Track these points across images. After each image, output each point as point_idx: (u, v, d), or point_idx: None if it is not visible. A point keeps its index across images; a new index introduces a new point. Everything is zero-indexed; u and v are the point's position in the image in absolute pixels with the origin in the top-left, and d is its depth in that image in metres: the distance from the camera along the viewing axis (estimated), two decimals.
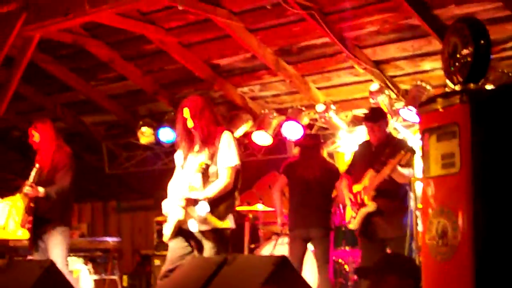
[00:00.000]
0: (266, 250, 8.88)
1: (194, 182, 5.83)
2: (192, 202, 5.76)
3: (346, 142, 10.19)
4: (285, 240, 8.64)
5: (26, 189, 7.04)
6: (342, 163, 10.21)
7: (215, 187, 5.82)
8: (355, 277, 8.38)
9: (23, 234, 8.37)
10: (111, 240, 8.94)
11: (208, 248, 5.83)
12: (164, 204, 6.03)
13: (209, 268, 5.12)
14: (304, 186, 7.88)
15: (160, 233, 10.06)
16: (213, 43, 9.54)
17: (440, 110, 4.77)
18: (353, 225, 7.01)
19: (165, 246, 9.72)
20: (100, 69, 10.67)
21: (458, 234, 4.50)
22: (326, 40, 8.82)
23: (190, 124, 5.95)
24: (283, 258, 4.74)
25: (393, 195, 6.81)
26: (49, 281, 5.48)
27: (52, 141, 7.38)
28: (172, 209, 5.92)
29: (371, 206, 6.81)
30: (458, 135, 4.57)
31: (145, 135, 11.10)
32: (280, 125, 9.85)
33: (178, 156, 6.14)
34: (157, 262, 10.09)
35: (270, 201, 9.12)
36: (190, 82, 10.49)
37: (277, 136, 10.11)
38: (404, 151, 6.61)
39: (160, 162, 11.91)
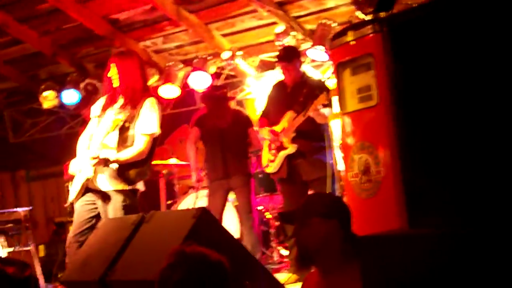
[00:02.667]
0: (184, 205, 8.67)
1: (108, 141, 5.55)
2: (102, 162, 5.48)
3: (255, 88, 10.03)
4: (202, 193, 8.44)
5: None
6: (253, 110, 10.08)
7: (128, 153, 5.57)
8: (277, 223, 8.27)
9: None
10: (21, 210, 8.56)
11: (115, 209, 5.56)
12: (72, 162, 5.73)
13: (126, 228, 4.92)
14: (218, 135, 7.69)
15: None
16: None
17: (352, 42, 4.62)
18: (272, 168, 6.82)
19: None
20: None
21: (381, 169, 4.38)
22: None
23: (115, 81, 5.66)
24: (203, 210, 4.56)
25: (313, 136, 6.65)
26: None
27: None
28: (80, 168, 5.63)
29: (291, 148, 6.64)
30: (373, 66, 4.43)
31: (48, 99, 10.67)
32: (186, 77, 9.59)
33: (96, 107, 5.85)
34: None
35: (183, 155, 8.91)
36: (89, 40, 10.08)
37: (184, 88, 9.85)
38: (326, 90, 6.45)
39: (66, 126, 11.52)
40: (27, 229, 8.38)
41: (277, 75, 9.58)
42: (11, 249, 8.41)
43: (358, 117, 4.63)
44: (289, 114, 6.66)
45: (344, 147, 4.72)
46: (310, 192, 6.72)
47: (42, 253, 10.01)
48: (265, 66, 9.80)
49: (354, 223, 3.69)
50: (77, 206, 5.72)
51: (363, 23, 4.52)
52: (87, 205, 5.67)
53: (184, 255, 3.03)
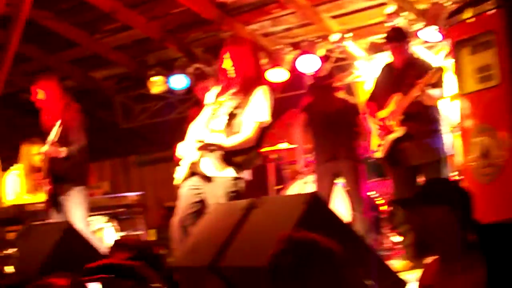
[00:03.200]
0: (291, 191, 8.54)
1: (216, 126, 5.48)
2: (207, 146, 5.40)
3: (365, 71, 9.80)
4: (310, 178, 8.29)
5: (47, 148, 6.68)
6: (362, 92, 9.84)
7: (235, 139, 5.46)
8: (389, 208, 8.04)
9: (33, 198, 8.15)
10: (133, 194, 8.64)
11: (221, 196, 5.48)
12: (180, 146, 5.68)
13: (236, 214, 4.82)
14: (326, 120, 7.52)
15: None
16: None
17: (471, 19, 4.39)
18: (380, 153, 6.61)
19: None
20: (103, 21, 10.23)
21: (503, 152, 4.15)
22: None
23: (228, 66, 5.58)
24: (314, 195, 4.42)
25: (422, 118, 6.38)
26: (69, 243, 5.21)
27: (59, 99, 7.00)
28: (186, 151, 5.58)
29: (400, 131, 6.40)
30: (495, 44, 4.20)
31: (156, 84, 10.75)
32: (295, 60, 9.44)
33: (210, 95, 5.79)
34: None
35: (290, 139, 8.77)
36: (197, 25, 10.06)
37: (293, 71, 9.70)
38: (432, 70, 6.17)
39: (175, 111, 11.56)
40: (139, 214, 8.43)
41: (387, 57, 9.34)
42: (123, 233, 8.50)
43: (478, 98, 4.41)
44: (397, 97, 6.43)
45: (463, 130, 4.49)
46: (419, 177, 6.48)
47: (153, 237, 10.09)
48: (375, 48, 9.54)
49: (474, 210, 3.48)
50: (182, 190, 5.66)
51: None
52: (192, 189, 5.61)
53: (295, 241, 2.90)
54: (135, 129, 12.46)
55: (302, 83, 9.99)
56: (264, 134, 5.60)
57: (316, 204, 4.39)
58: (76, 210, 6.74)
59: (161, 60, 11.09)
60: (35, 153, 8.26)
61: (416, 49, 8.50)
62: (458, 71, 4.49)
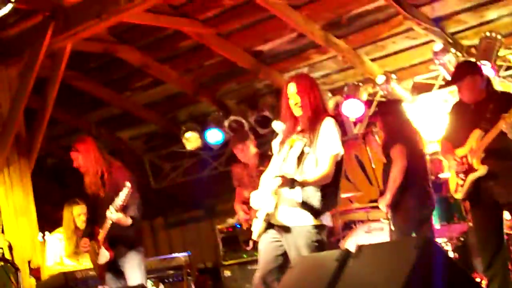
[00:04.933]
0: (351, 241, 8.06)
1: (287, 169, 5.08)
2: (287, 183, 4.98)
3: (408, 114, 9.44)
4: (374, 226, 7.88)
5: (116, 214, 6.22)
6: None
7: (315, 173, 5.06)
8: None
9: (76, 263, 7.75)
10: (180, 255, 8.19)
11: (302, 246, 5.05)
12: (253, 195, 5.28)
13: (329, 266, 4.39)
14: None
15: (226, 241, 9.35)
16: (254, 28, 8.77)
17: None
18: (461, 193, 6.17)
19: (231, 255, 9.15)
20: (133, 77, 9.96)
21: None
22: (378, 4, 8.09)
23: (296, 109, 5.23)
24: (426, 239, 4.01)
25: (505, 154, 5.96)
26: None
27: (99, 159, 6.60)
28: (262, 201, 5.18)
29: (482, 170, 5.97)
30: None
31: (191, 140, 10.39)
32: (338, 105, 9.09)
33: (275, 144, 5.42)
34: (227, 273, 9.32)
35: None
36: (231, 76, 9.79)
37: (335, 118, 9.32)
38: None
39: (208, 168, 11.17)
40: (187, 276, 7.98)
41: (432, 97, 8.99)
42: None
43: None
44: (476, 133, 6.01)
45: None
46: (506, 216, 6.07)
47: None
48: (418, 89, 9.19)
49: None
50: (261, 244, 5.25)
51: None
52: (272, 242, 5.19)
53: None
54: (164, 189, 12.05)
55: (344, 129, 9.62)
56: (339, 168, 5.21)
57: (430, 248, 3.98)
58: (136, 273, 6.32)
59: (192, 116, 10.77)
60: (77, 214, 7.89)
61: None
62: None
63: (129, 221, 6.30)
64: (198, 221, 12.45)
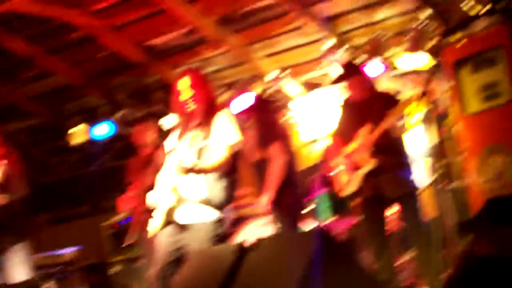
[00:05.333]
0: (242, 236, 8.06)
1: (188, 164, 5.04)
2: (190, 171, 4.97)
3: (298, 111, 9.56)
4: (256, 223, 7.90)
5: None
6: (296, 133, 9.60)
7: (212, 161, 5.06)
8: None
9: None
10: (69, 251, 8.01)
11: (202, 241, 5.05)
12: (151, 194, 5.23)
13: (226, 259, 4.38)
14: None
15: (112, 238, 9.17)
16: (146, 22, 8.65)
17: (472, 36, 4.16)
18: (351, 188, 6.29)
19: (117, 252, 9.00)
20: (20, 68, 9.63)
21: None
22: (271, 1, 8.15)
23: (187, 97, 5.19)
24: (320, 229, 4.06)
25: (392, 150, 6.14)
26: None
27: None
28: (160, 198, 5.14)
29: (371, 164, 6.12)
30: (502, 60, 3.97)
31: (78, 134, 10.14)
32: (230, 100, 9.09)
33: (170, 141, 5.38)
34: (114, 269, 9.15)
35: None
36: (122, 69, 9.63)
37: None
38: (403, 101, 5.95)
39: (96, 163, 10.97)
40: (77, 271, 7.81)
41: (323, 94, 9.13)
42: None
43: (485, 117, 4.17)
44: (365, 129, 6.17)
45: (471, 151, 4.24)
46: (395, 209, 6.27)
47: None
48: (310, 85, 9.32)
49: None
50: (158, 240, 5.20)
51: (488, 14, 4.04)
52: (169, 238, 5.16)
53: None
54: (50, 184, 11.77)
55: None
56: (236, 159, 5.23)
57: (325, 237, 4.03)
58: (21, 268, 6.10)
59: (81, 109, 10.53)
60: None
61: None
62: (459, 91, 4.24)
63: (2, 200, 6.04)
64: (84, 217, 12.18)
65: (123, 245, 8.26)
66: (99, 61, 9.51)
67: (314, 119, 9.11)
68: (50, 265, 7.94)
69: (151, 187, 5.48)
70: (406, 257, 6.92)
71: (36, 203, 12.47)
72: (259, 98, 8.92)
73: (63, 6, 8.25)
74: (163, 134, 6.45)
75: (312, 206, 7.57)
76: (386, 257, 6.21)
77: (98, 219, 10.55)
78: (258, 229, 7.87)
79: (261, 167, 7.13)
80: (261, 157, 7.12)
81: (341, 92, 6.82)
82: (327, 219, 7.76)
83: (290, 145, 7.23)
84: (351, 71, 6.49)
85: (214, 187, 5.08)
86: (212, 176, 5.08)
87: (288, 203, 6.98)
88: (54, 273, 7.90)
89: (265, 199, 6.96)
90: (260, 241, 4.36)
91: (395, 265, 6.50)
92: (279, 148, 6.97)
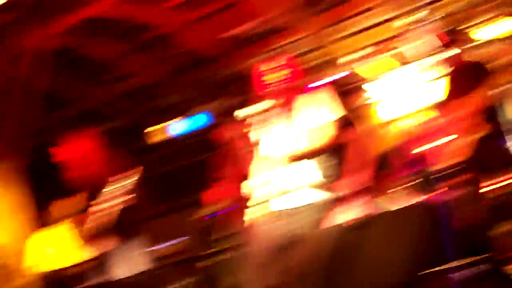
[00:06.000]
0: None
1: (289, 148, 5.11)
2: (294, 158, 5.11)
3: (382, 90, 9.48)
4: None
5: None
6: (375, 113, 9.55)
7: (316, 142, 5.14)
8: None
9: None
10: (176, 242, 8.26)
11: (307, 226, 5.06)
12: (248, 184, 5.34)
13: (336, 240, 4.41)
14: None
15: (206, 229, 9.26)
16: (223, 15, 8.67)
17: None
18: (456, 158, 6.27)
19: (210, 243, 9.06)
20: (100, 71, 9.75)
21: None
22: None
23: (277, 80, 5.24)
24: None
25: (494, 118, 6.15)
26: None
27: None
28: (261, 187, 5.23)
29: (478, 131, 6.13)
30: None
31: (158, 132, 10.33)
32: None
33: (258, 130, 5.49)
34: None
35: None
36: (199, 64, 9.67)
37: None
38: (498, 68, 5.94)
39: (181, 158, 11.11)
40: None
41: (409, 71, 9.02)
42: None
43: None
44: (470, 97, 6.21)
45: None
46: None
47: None
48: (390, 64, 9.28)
49: None
50: (262, 227, 5.25)
51: None
52: (275, 224, 5.18)
53: None
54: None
55: None
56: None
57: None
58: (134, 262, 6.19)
59: (161, 107, 10.65)
60: None
61: None
62: None
63: None
64: (175, 212, 12.35)
65: (215, 238, 8.38)
66: (176, 58, 9.57)
67: (399, 97, 9.02)
68: (161, 258, 8.05)
69: (242, 178, 5.49)
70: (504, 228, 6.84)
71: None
72: (338, 81, 8.95)
73: (138, 6, 8.31)
74: (246, 125, 6.50)
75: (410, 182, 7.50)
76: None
77: (188, 213, 10.67)
78: (354, 209, 7.88)
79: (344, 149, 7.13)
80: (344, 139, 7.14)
81: (438, 65, 6.83)
82: (428, 193, 7.72)
83: (371, 126, 7.21)
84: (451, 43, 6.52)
85: (321, 168, 5.08)
86: (318, 157, 5.09)
87: (381, 182, 6.95)
88: (164, 265, 8.00)
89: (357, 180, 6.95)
90: (366, 219, 4.38)
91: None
92: (360, 129, 6.97)
